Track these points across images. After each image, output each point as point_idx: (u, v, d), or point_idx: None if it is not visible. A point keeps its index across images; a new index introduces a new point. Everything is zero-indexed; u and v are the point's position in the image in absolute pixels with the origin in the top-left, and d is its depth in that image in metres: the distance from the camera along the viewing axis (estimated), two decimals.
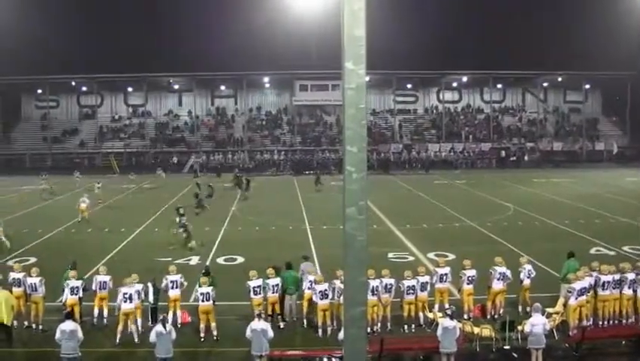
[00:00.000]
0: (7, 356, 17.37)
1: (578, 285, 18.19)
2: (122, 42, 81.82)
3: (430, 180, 62.80)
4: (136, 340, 17.86)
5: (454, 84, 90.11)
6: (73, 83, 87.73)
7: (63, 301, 18.97)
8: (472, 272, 19.77)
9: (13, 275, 19.34)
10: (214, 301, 18.33)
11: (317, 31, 68.62)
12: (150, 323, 18.31)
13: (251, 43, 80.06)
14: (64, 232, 35.42)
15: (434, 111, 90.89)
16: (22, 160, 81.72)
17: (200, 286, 18.55)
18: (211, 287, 18.44)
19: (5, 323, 17.60)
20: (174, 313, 18.91)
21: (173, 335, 15.78)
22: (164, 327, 15.64)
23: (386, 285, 18.81)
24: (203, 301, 18.26)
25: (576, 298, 18.09)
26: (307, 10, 68.72)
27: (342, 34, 5.51)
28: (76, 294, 18.84)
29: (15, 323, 18.36)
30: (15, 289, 18.83)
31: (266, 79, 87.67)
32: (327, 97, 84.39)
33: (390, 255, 27.92)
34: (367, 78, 5.58)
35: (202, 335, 18.23)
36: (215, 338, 18.16)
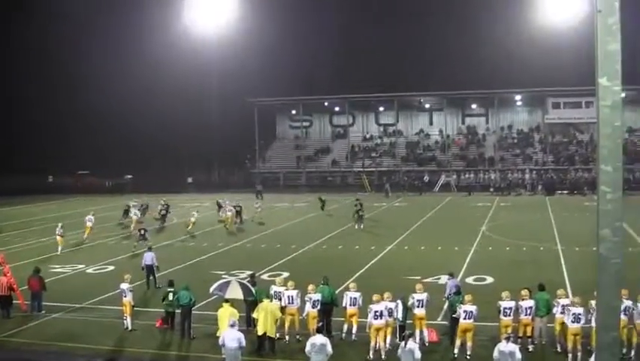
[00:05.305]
0: None
1: None
2: (372, 63, 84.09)
3: None
4: (383, 356, 18.10)
5: None
6: (326, 104, 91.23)
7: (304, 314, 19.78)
8: None
9: (274, 288, 20.51)
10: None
11: (569, 47, 66.47)
12: (397, 340, 18.44)
13: (502, 61, 79.22)
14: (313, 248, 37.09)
15: None
16: (276, 178, 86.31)
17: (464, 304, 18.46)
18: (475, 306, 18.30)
19: (268, 334, 18.56)
20: (420, 331, 18.93)
21: (417, 353, 15.73)
22: (405, 345, 15.71)
23: None
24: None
25: None
26: (559, 26, 66.89)
27: (596, 50, 5.35)
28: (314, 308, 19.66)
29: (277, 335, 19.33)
30: (275, 302, 19.83)
31: (517, 97, 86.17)
32: (581, 115, 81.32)
33: None
34: (623, 94, 5.36)
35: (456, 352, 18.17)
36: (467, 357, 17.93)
